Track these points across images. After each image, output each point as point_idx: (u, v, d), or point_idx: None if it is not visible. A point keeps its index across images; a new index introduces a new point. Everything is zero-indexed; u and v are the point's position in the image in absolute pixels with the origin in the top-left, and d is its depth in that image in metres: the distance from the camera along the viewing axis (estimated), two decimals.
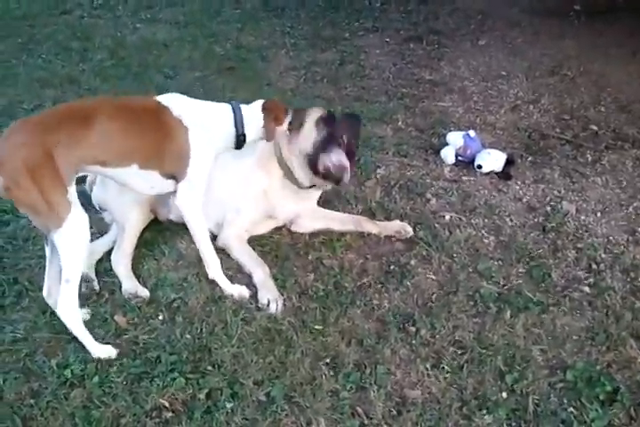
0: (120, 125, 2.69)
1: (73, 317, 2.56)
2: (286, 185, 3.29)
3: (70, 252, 2.51)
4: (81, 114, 2.65)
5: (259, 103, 3.02)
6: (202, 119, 2.88)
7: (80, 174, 2.71)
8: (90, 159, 2.64)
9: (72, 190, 2.55)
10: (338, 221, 3.42)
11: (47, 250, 2.70)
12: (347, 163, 3.13)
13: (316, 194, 3.45)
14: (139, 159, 2.75)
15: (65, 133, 2.52)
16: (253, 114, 2.97)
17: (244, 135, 2.94)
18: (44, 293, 2.72)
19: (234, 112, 2.94)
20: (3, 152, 2.44)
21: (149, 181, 2.88)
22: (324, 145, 3.14)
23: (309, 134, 3.18)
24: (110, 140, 2.66)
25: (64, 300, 2.53)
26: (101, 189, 3.34)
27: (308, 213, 3.41)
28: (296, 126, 3.17)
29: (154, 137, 2.77)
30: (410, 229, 3.36)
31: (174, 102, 2.87)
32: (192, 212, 2.95)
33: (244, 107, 2.99)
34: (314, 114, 3.23)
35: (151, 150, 2.78)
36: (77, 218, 2.52)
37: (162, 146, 2.79)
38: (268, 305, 2.88)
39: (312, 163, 3.16)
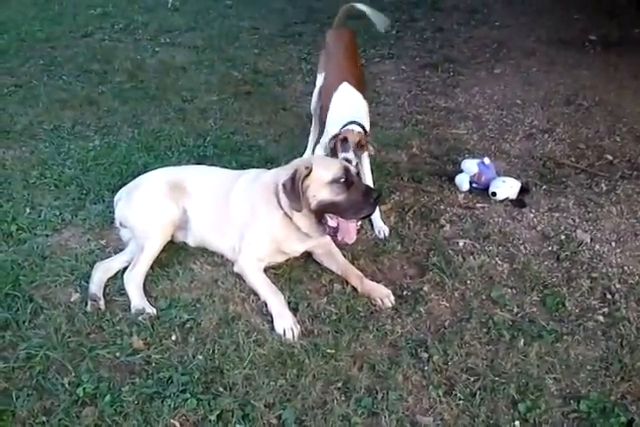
0: None
1: None
2: (288, 226, 3.17)
3: None
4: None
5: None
6: None
7: None
8: None
9: None
10: (335, 263, 3.31)
11: None
12: (354, 231, 3.07)
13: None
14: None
15: None
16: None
17: None
18: None
19: None
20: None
21: None
22: (334, 208, 3.03)
23: (319, 192, 3.04)
24: None
25: None
26: (126, 207, 3.37)
27: (321, 246, 3.34)
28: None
29: None
30: (389, 303, 3.08)
31: None
32: None
33: None
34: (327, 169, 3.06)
35: None
36: None
37: None
38: (285, 334, 2.87)
39: (318, 219, 3.10)
